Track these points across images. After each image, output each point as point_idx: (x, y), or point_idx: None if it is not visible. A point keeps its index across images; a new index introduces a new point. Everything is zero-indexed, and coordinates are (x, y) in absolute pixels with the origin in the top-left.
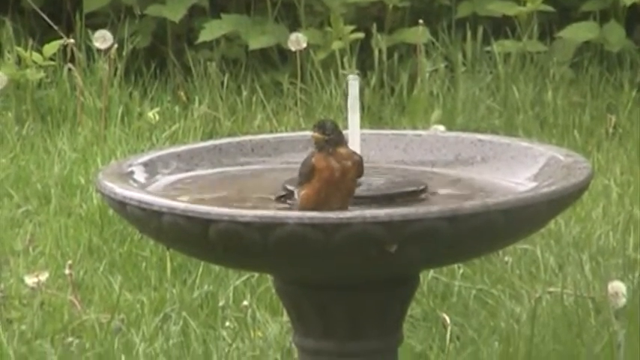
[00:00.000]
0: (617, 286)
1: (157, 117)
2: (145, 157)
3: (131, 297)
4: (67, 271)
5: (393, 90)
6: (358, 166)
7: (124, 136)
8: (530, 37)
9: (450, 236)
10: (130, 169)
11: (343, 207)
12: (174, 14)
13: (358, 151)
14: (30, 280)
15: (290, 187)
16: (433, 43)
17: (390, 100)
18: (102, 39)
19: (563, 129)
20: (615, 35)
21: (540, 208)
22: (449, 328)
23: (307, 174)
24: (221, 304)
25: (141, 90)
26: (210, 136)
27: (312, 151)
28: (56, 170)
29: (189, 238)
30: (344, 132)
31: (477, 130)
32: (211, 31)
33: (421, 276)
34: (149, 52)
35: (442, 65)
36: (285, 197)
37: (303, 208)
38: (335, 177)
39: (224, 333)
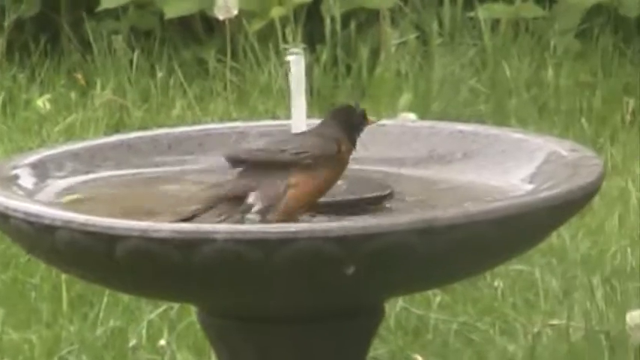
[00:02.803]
0: (638, 317)
1: (49, 106)
2: (34, 157)
3: (17, 336)
4: None
5: (349, 68)
6: None
7: (5, 129)
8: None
9: (423, 254)
10: (13, 172)
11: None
12: None
13: None
14: None
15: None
16: (401, 9)
17: (346, 82)
18: None
19: (567, 116)
20: None
21: (539, 217)
22: None
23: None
24: (131, 343)
25: (27, 72)
26: (116, 130)
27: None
28: None
29: (91, 260)
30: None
31: (457, 119)
32: None
33: (387, 306)
34: (38, 23)
35: (413, 36)
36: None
37: (291, 206)
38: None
39: None
